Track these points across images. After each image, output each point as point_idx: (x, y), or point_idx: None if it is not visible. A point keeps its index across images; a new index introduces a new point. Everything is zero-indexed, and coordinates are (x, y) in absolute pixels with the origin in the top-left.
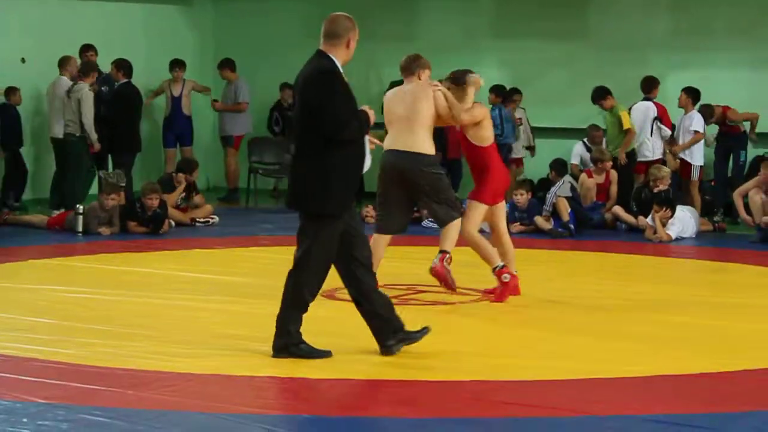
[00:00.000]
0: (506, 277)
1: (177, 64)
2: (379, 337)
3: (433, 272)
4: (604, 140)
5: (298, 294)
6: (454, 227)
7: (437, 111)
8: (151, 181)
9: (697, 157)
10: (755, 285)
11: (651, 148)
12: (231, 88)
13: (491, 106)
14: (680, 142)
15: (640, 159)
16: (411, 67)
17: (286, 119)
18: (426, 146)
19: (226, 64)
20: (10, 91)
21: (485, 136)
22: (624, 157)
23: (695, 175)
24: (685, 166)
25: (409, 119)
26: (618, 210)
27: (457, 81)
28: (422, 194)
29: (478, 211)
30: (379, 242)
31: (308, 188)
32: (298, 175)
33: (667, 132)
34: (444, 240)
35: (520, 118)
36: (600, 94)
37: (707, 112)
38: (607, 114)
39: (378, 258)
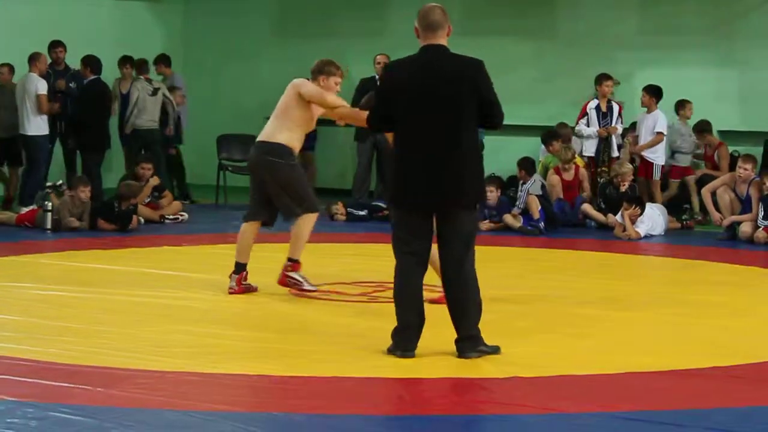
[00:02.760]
0: None
1: (126, 61)
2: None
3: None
4: (572, 138)
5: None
6: (300, 229)
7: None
8: (127, 183)
9: (659, 155)
10: (722, 282)
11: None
12: (167, 83)
13: None
14: (642, 141)
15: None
16: (314, 71)
17: None
18: (282, 137)
19: (161, 60)
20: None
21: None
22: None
23: (657, 174)
24: (647, 165)
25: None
26: (587, 208)
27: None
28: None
29: None
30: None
31: (475, 180)
32: (462, 167)
33: (580, 129)
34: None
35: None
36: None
37: (704, 127)
38: (550, 156)
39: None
